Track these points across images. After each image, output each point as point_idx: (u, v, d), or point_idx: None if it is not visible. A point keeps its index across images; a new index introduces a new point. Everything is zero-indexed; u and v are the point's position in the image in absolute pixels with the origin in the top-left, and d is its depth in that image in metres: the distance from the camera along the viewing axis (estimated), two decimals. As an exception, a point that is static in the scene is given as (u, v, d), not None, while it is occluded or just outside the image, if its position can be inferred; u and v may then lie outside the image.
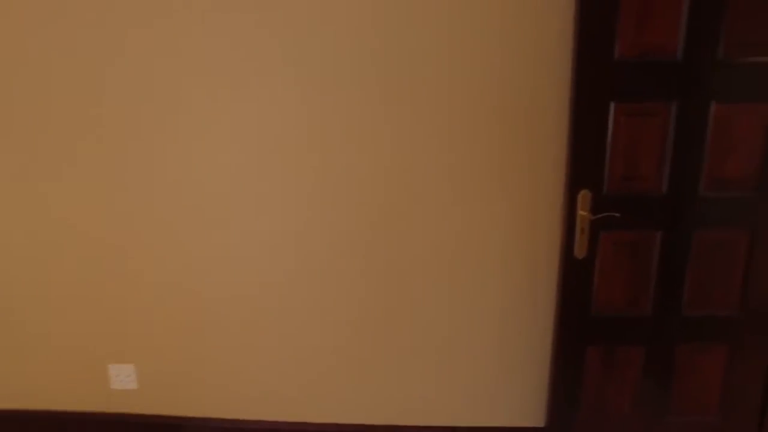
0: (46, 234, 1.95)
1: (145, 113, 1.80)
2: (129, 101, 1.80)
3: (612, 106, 1.65)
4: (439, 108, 1.76)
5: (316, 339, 2.02)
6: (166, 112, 1.80)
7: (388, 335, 2.00)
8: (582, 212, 1.73)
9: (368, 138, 1.80)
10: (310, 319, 2.00)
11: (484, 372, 2.02)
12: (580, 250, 1.76)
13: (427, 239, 1.89)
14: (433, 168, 1.82)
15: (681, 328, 1.84)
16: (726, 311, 1.83)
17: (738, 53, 1.60)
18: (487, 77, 1.73)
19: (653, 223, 1.75)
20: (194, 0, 1.68)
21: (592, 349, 1.87)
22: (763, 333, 1.85)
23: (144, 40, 1.73)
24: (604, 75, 1.63)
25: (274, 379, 2.07)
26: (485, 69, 1.72)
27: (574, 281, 1.80)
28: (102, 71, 1.77)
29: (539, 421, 2.07)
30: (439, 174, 1.83)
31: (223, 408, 2.12)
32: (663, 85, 1.63)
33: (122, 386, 2.11)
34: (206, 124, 1.81)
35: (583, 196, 1.72)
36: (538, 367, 2.01)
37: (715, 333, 1.85)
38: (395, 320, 1.98)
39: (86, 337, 2.06)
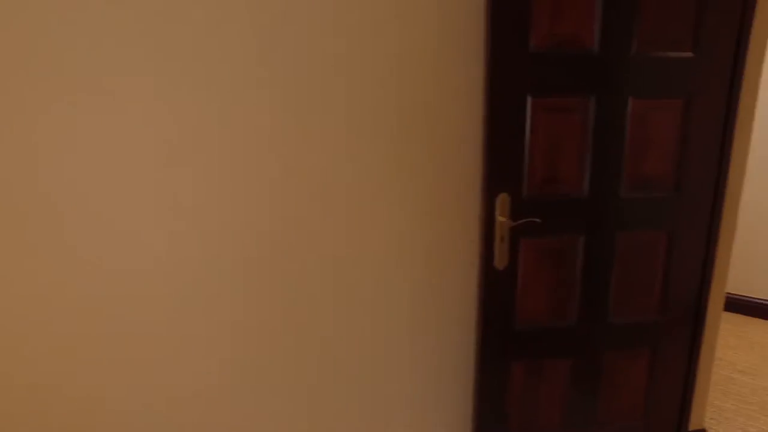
0: None
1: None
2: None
3: (529, 100, 1.52)
4: (333, 106, 1.56)
5: (202, 377, 1.74)
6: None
7: (292, 357, 1.77)
8: (501, 218, 1.58)
9: (253, 147, 1.56)
10: (194, 352, 1.71)
11: (403, 393, 1.86)
12: (500, 260, 1.62)
13: (327, 254, 1.68)
14: (330, 174, 1.61)
15: (606, 336, 1.78)
16: (648, 315, 1.79)
17: (651, 48, 1.55)
18: (388, 71, 1.55)
19: (576, 228, 1.65)
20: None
21: (517, 364, 1.75)
22: (680, 335, 1.84)
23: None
24: (519, 67, 1.50)
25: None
26: (386, 61, 1.54)
27: (496, 293, 1.66)
28: None
29: (465, 444, 1.93)
30: (338, 180, 1.62)
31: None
32: (580, 78, 1.53)
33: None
34: (61, 136, 1.48)
35: (502, 201, 1.58)
36: (461, 386, 1.87)
37: (638, 338, 1.82)
38: (298, 342, 1.76)
39: None
